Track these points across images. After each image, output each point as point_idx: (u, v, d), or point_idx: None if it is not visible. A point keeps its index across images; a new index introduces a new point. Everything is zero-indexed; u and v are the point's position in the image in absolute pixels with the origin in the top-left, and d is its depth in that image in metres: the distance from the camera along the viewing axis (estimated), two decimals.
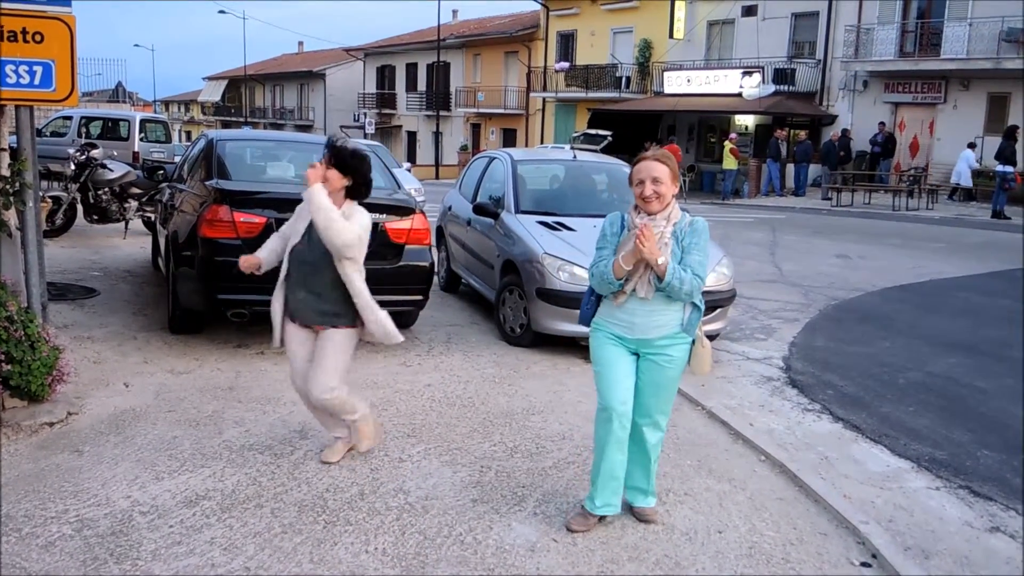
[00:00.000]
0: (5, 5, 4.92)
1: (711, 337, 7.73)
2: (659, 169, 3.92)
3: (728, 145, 26.55)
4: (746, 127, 29.83)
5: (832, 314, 9.58)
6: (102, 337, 7.06)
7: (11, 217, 5.38)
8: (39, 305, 5.43)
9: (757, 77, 27.63)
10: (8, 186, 5.20)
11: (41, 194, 7.50)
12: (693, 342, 4.08)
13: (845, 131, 25.62)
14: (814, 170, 26.03)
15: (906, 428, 5.95)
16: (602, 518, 4.16)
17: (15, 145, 5.33)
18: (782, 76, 27.71)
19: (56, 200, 11.87)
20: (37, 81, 5.03)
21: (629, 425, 4.06)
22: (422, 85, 47.53)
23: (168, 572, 3.55)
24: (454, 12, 51.63)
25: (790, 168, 26.43)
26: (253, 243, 6.44)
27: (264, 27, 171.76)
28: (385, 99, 50.59)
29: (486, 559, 3.78)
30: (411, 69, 48.59)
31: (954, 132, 24.05)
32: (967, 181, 22.50)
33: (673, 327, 4.00)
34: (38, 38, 4.98)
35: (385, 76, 51.28)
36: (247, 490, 4.32)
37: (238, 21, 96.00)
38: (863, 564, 3.94)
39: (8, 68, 4.92)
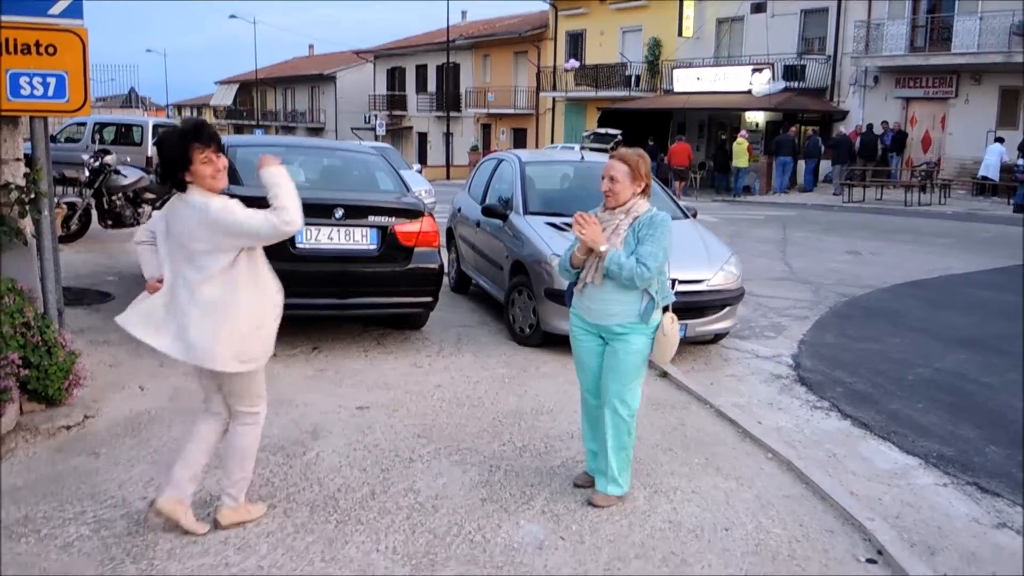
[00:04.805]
0: (19, 19, 5.00)
1: (720, 336, 7.81)
2: (617, 168, 4.23)
3: (740, 142, 26.50)
4: (756, 124, 29.77)
5: (842, 311, 9.60)
6: (117, 341, 7.14)
7: (27, 225, 5.46)
8: (55, 311, 5.52)
9: (767, 74, 27.59)
10: (23, 195, 5.29)
11: (56, 200, 7.60)
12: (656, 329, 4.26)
13: (871, 126, 25.30)
14: (824, 166, 25.95)
15: (915, 425, 5.97)
16: None
17: (30, 153, 5.41)
18: (792, 73, 27.66)
19: (71, 206, 11.98)
20: (51, 92, 5.11)
21: (598, 406, 4.42)
22: (432, 86, 47.63)
23: (183, 571, 3.62)
24: (463, 13, 51.67)
25: (800, 164, 26.34)
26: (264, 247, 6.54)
27: (275, 31, 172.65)
28: (395, 101, 50.72)
29: (495, 557, 3.84)
30: (421, 71, 48.69)
31: (966, 127, 23.97)
32: (996, 174, 22.06)
33: (630, 316, 4.20)
34: (51, 50, 5.06)
35: (395, 78, 51.39)
36: (260, 491, 4.39)
37: (249, 25, 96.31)
38: (869, 560, 3.97)
39: (22, 80, 5.01)
